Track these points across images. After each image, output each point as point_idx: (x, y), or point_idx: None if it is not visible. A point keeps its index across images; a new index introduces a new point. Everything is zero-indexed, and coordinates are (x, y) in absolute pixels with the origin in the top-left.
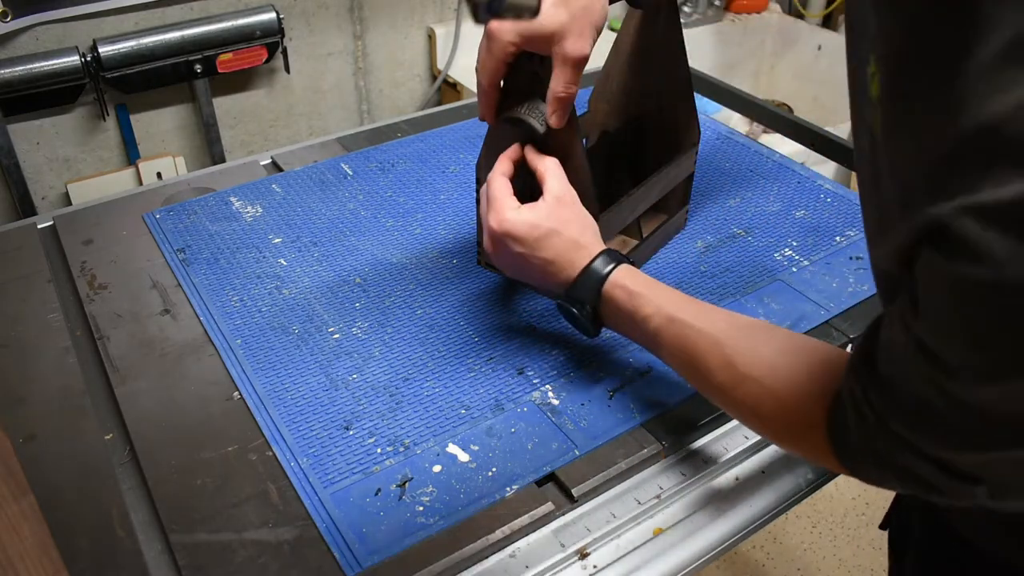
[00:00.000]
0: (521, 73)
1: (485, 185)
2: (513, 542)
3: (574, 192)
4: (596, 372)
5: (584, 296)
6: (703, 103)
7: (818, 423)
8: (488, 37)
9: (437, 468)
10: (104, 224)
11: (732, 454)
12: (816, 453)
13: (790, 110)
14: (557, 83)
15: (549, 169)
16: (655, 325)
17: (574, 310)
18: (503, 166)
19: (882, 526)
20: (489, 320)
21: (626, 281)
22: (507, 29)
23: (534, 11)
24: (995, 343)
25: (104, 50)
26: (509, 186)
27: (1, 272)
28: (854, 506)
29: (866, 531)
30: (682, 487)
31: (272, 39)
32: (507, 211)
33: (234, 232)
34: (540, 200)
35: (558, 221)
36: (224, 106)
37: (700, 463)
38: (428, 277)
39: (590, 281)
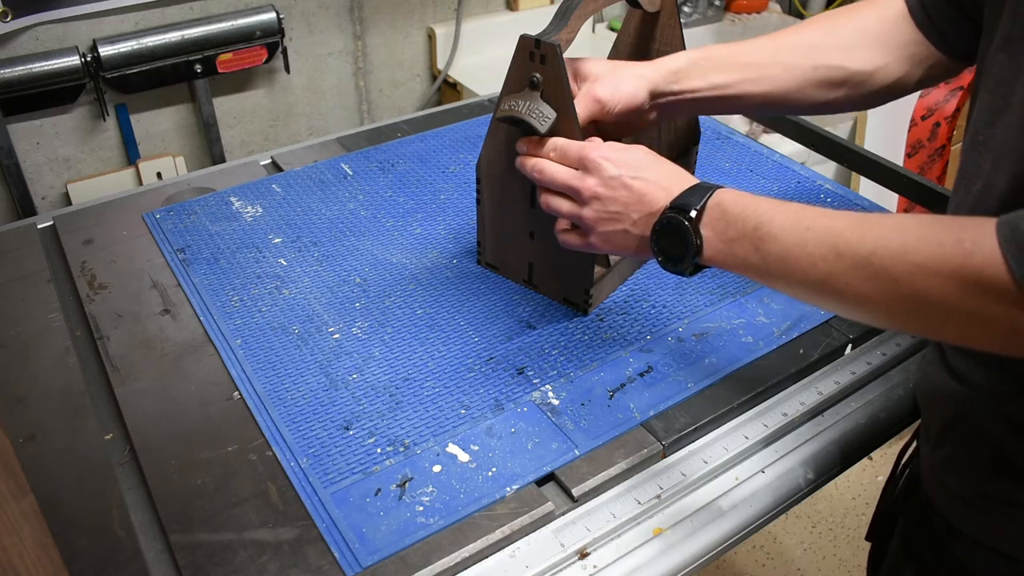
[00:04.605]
0: (522, 74)
1: (551, 141)
2: (513, 542)
3: None
4: (596, 372)
5: (689, 204)
6: None
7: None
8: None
9: (437, 468)
10: (104, 224)
11: (732, 454)
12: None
13: None
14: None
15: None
16: (779, 224)
17: (680, 221)
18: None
19: (868, 537)
20: (489, 320)
21: (733, 192)
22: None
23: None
24: None
25: (104, 50)
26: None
27: (1, 272)
28: (854, 506)
29: (866, 531)
30: (682, 487)
31: (272, 39)
32: (604, 144)
33: (234, 232)
34: (625, 146)
35: (658, 156)
36: (224, 106)
37: (700, 463)
38: (428, 277)
39: (696, 191)
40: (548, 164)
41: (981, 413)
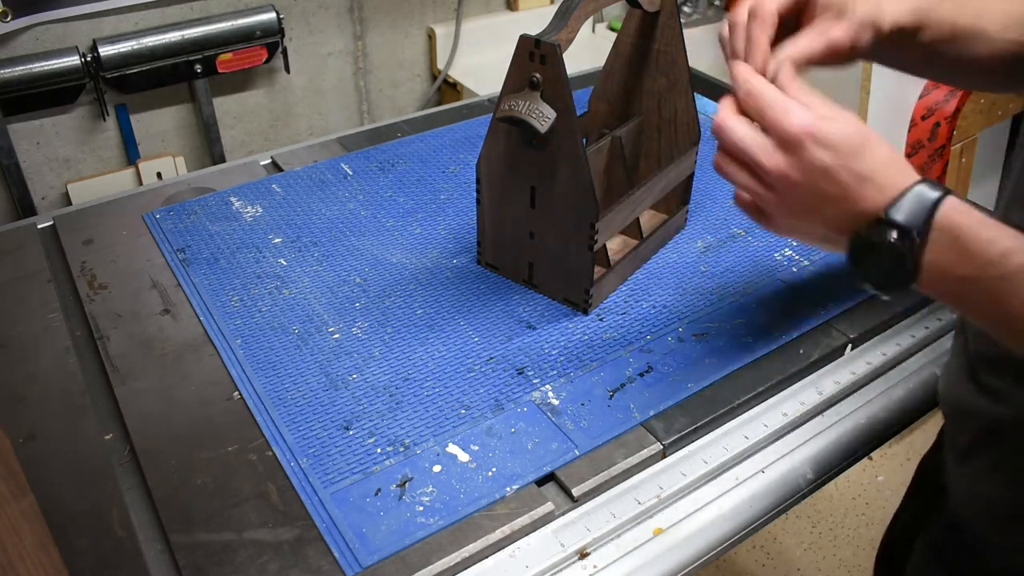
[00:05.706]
0: (522, 74)
1: (745, 88)
2: (513, 542)
3: None
4: (596, 372)
5: (911, 220)
6: (703, 103)
7: None
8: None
9: (437, 468)
10: (104, 224)
11: (732, 454)
12: None
13: None
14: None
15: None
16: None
17: (896, 246)
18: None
19: (884, 543)
20: (489, 320)
21: (965, 208)
22: None
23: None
24: None
25: (104, 50)
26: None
27: (1, 272)
28: (854, 506)
29: (866, 531)
30: (682, 487)
31: (272, 39)
32: (813, 110)
33: (234, 232)
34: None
35: (873, 133)
36: (224, 106)
37: (700, 463)
38: (428, 277)
39: (921, 200)
40: (736, 123)
41: (1020, 429)
